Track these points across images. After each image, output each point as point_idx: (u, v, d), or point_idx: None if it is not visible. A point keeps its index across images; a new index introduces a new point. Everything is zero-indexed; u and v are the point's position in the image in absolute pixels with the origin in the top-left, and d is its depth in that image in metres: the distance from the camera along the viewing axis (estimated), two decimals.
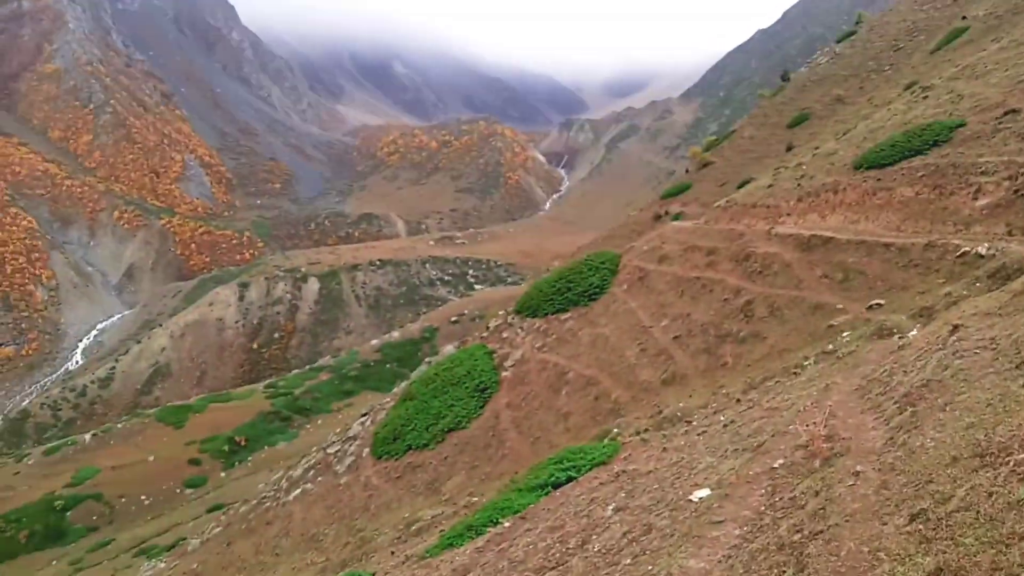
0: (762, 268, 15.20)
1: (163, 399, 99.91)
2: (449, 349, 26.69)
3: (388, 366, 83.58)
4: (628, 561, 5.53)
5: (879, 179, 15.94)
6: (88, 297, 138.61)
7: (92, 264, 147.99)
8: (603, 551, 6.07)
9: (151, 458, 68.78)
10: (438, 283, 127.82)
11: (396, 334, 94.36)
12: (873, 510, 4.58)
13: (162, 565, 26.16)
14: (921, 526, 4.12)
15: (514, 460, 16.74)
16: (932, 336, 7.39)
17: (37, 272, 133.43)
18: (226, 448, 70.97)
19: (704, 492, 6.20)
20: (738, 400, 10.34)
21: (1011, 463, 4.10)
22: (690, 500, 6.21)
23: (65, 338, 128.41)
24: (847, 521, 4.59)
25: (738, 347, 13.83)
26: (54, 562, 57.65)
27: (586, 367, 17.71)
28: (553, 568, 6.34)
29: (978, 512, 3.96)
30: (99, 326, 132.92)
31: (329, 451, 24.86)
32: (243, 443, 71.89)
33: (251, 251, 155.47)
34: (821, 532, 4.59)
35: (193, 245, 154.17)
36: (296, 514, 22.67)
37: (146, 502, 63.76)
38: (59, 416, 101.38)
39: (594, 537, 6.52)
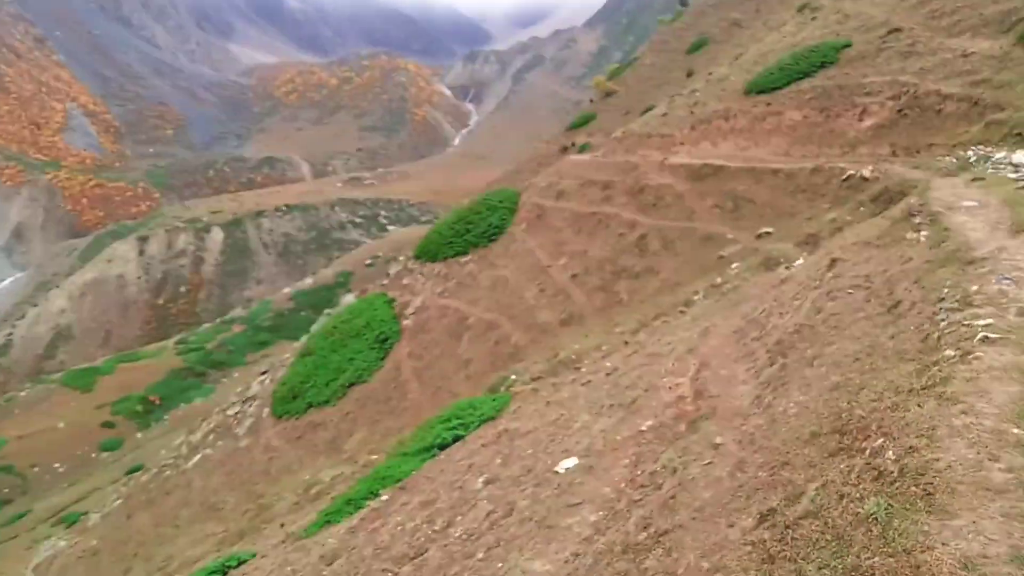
0: (655, 200, 15.32)
1: (68, 363, 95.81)
2: (349, 299, 26.07)
3: (303, 314, 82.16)
4: (481, 556, 5.51)
5: (769, 103, 16.15)
6: None
7: None
8: (463, 537, 6.06)
9: (61, 424, 66.68)
10: (349, 226, 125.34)
11: (309, 281, 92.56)
12: (723, 503, 4.46)
13: (62, 543, 25.28)
14: (767, 534, 3.89)
15: (415, 412, 16.70)
16: (812, 269, 7.54)
17: None
18: (140, 408, 69.27)
19: (571, 462, 6.21)
20: (626, 343, 10.48)
21: (867, 451, 3.93)
22: (556, 472, 6.21)
23: None
24: (694, 519, 4.47)
25: (633, 283, 13.99)
26: None
27: (486, 311, 17.66)
28: (413, 558, 6.30)
29: (826, 523, 3.68)
30: None
31: (229, 413, 24.18)
32: (157, 402, 70.19)
33: (147, 203, 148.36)
34: (667, 532, 4.48)
35: (84, 200, 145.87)
36: (196, 482, 22.18)
37: (60, 470, 61.97)
38: None
39: (459, 518, 6.51)
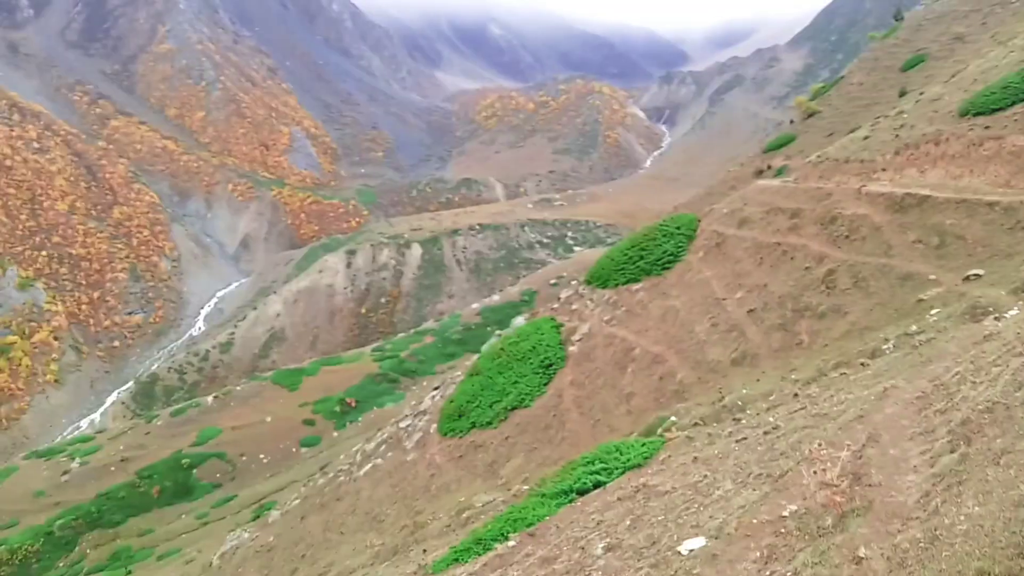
0: (849, 232, 13.99)
1: (279, 363, 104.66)
2: (519, 321, 25.85)
3: (488, 329, 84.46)
4: None
5: (987, 127, 14.45)
6: (207, 267, 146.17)
7: (210, 235, 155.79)
8: None
9: (268, 419, 72.14)
10: (537, 246, 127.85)
11: (496, 297, 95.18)
12: None
13: (246, 536, 27.18)
14: None
15: (572, 443, 16.29)
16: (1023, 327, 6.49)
17: (160, 244, 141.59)
18: (338, 409, 73.71)
19: (697, 543, 5.67)
20: (795, 395, 9.58)
21: None
22: (679, 552, 5.71)
23: (188, 306, 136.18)
24: None
25: (816, 323, 12.81)
26: (183, 516, 61.63)
27: (654, 343, 16.92)
28: None
29: None
30: (218, 294, 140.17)
31: (401, 425, 24.83)
32: (353, 404, 74.50)
33: (357, 219, 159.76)
34: None
35: (303, 215, 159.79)
36: (364, 491, 22.80)
37: (264, 460, 67.03)
38: (185, 379, 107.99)
39: None
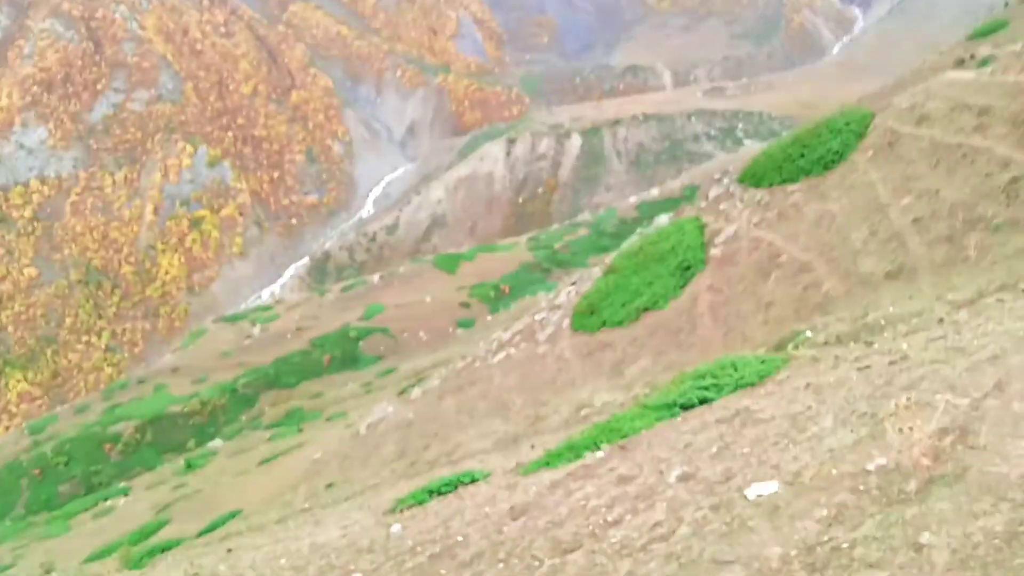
0: None
1: (440, 247, 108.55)
2: (663, 219, 24.52)
3: (646, 223, 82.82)
4: None
5: None
6: (376, 151, 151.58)
7: (379, 120, 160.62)
8: (611, 549, 5.20)
9: (428, 299, 75.45)
10: (703, 138, 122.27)
11: (655, 191, 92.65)
12: None
13: (390, 409, 28.49)
14: None
15: (702, 350, 15.30)
16: None
17: (334, 128, 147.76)
18: (492, 295, 75.84)
19: (767, 488, 4.93)
20: (941, 320, 8.31)
21: None
22: (745, 495, 5.00)
23: (358, 188, 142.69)
24: None
25: (989, 237, 11.05)
26: (349, 383, 66.34)
27: (803, 250, 15.34)
28: (565, 552, 5.60)
29: None
30: (386, 178, 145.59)
31: (536, 317, 24.67)
32: (507, 291, 76.34)
33: (519, 107, 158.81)
34: None
35: (466, 102, 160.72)
36: (496, 378, 22.80)
37: (424, 338, 70.53)
38: (354, 258, 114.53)
39: (629, 517, 5.63)
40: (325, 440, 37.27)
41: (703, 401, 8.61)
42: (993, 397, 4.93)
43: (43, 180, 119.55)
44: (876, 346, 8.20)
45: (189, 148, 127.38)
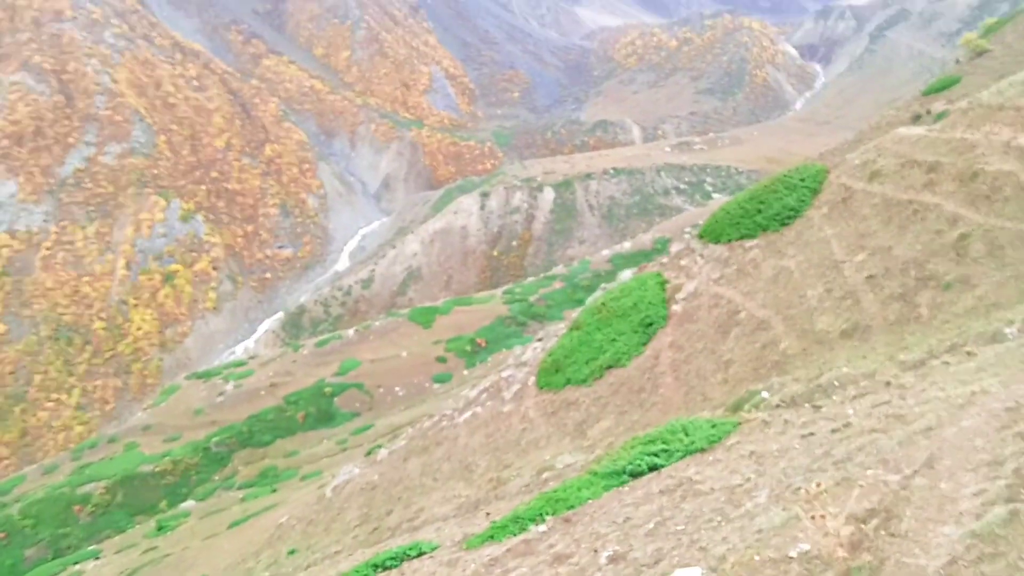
0: (990, 191, 12.50)
1: (415, 300, 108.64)
2: (626, 275, 24.88)
3: (609, 279, 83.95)
4: None
5: None
6: (351, 204, 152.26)
7: (353, 174, 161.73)
8: None
9: (404, 354, 75.29)
10: (673, 192, 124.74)
11: (627, 245, 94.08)
12: None
13: (356, 471, 28.35)
14: None
15: (663, 410, 15.75)
16: None
17: (308, 182, 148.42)
18: (468, 348, 75.93)
19: (691, 575, 5.30)
20: (888, 384, 8.92)
21: None
22: None
23: (333, 242, 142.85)
24: None
25: (940, 295, 11.70)
26: (324, 440, 65.82)
27: (761, 306, 15.95)
28: None
29: None
30: (361, 231, 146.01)
31: (503, 375, 24.84)
32: (483, 344, 76.51)
33: (492, 161, 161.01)
34: None
35: (440, 156, 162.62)
36: (461, 438, 22.89)
37: (400, 393, 70.29)
38: (330, 312, 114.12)
39: None
40: (296, 501, 36.99)
41: (652, 468, 8.92)
42: (922, 475, 5.25)
43: (12, 234, 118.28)
44: (824, 410, 8.67)
45: (162, 202, 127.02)
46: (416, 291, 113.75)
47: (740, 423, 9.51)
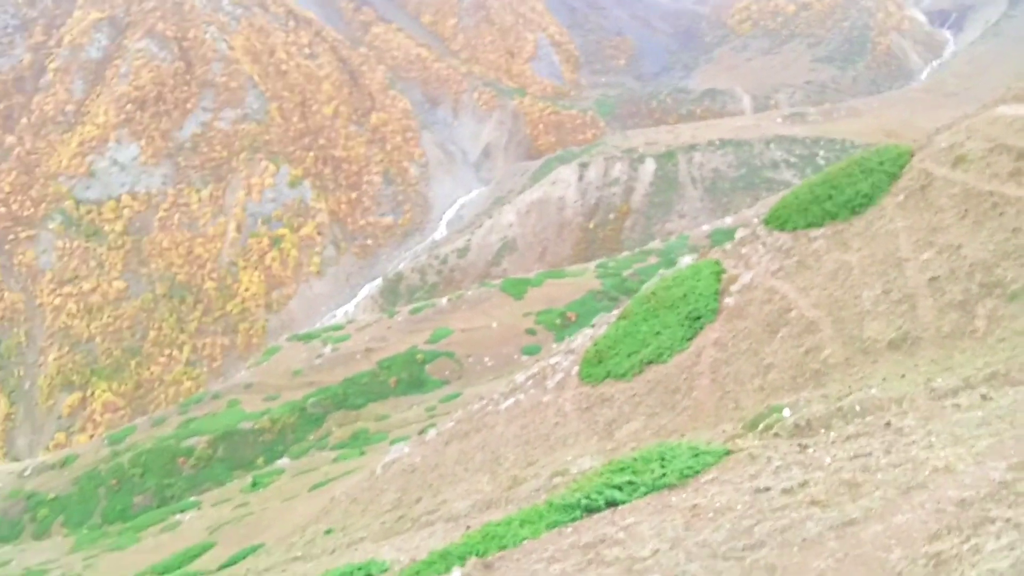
0: None
1: (509, 270, 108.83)
2: (686, 260, 23.06)
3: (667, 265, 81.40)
4: None
5: None
6: (451, 174, 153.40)
7: (455, 143, 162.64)
8: None
9: (494, 324, 75.57)
10: (783, 165, 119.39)
11: (729, 220, 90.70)
12: None
13: (406, 450, 28.00)
14: None
15: (693, 415, 14.66)
16: None
17: (411, 150, 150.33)
18: (558, 321, 75.44)
19: None
20: (887, 425, 7.87)
21: None
22: None
23: (432, 210, 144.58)
24: None
25: (1003, 306, 10.16)
26: (414, 406, 66.95)
27: (813, 305, 14.55)
28: None
29: None
30: (460, 201, 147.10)
31: (551, 361, 23.61)
32: (573, 318, 75.81)
33: (593, 131, 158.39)
34: None
35: (541, 125, 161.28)
36: (499, 427, 22.09)
37: (488, 363, 70.64)
38: (426, 280, 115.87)
39: None
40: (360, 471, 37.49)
41: (610, 503, 8.14)
42: (845, 558, 4.55)
43: (134, 196, 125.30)
44: (808, 452, 7.94)
45: (272, 167, 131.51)
46: (510, 262, 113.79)
47: (730, 452, 8.67)
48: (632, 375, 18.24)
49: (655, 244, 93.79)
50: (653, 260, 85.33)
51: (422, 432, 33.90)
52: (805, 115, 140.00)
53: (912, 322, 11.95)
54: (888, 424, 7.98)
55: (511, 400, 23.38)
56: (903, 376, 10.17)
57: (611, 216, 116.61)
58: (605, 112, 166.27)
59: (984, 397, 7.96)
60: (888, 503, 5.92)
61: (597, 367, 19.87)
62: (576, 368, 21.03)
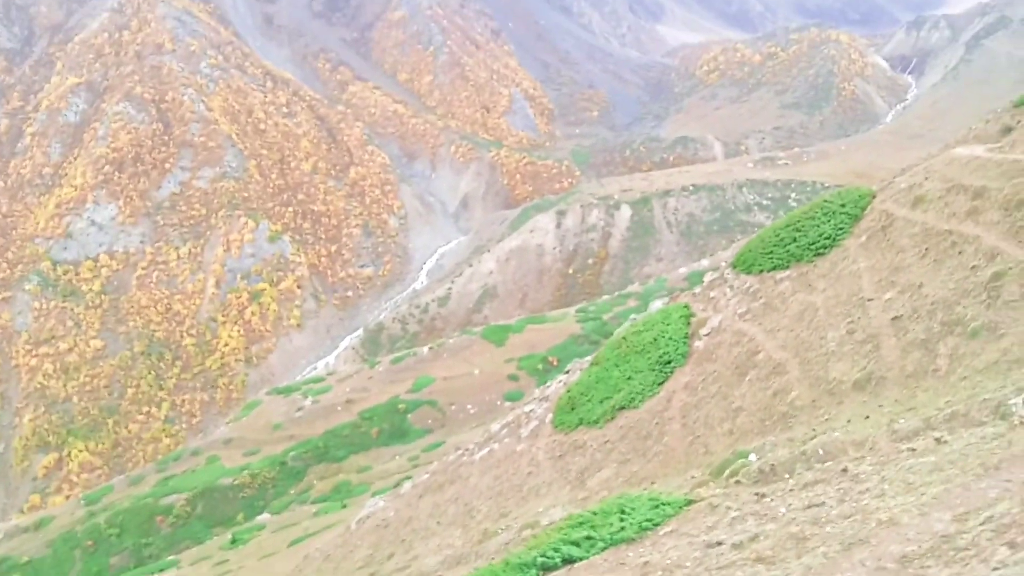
0: None
1: (491, 318, 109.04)
2: (657, 304, 23.12)
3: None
4: None
5: None
6: (430, 224, 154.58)
7: (433, 195, 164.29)
8: None
9: (476, 371, 75.33)
10: (755, 208, 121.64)
11: (705, 262, 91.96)
12: None
13: (381, 504, 27.58)
14: None
15: (664, 461, 14.59)
16: None
17: (390, 203, 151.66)
18: (540, 367, 75.38)
19: None
20: (844, 471, 8.08)
21: None
22: None
23: (412, 261, 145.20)
24: None
25: (964, 344, 10.35)
26: (396, 456, 66.24)
27: (780, 347, 14.60)
28: None
29: None
30: (439, 250, 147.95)
31: (525, 409, 23.36)
32: (555, 363, 75.84)
33: (569, 180, 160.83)
34: None
35: (518, 175, 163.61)
36: (472, 478, 21.87)
37: (471, 411, 70.22)
38: (407, 329, 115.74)
39: None
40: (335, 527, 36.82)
41: (567, 561, 8.05)
42: None
43: (111, 255, 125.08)
44: (764, 502, 8.04)
45: (251, 223, 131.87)
46: (491, 309, 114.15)
47: (692, 501, 8.80)
48: (604, 422, 18.14)
49: (634, 287, 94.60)
50: (632, 303, 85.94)
51: (397, 485, 33.19)
52: (775, 159, 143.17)
53: (876, 362, 12.05)
54: (845, 470, 8.07)
55: (486, 450, 23.13)
56: (867, 417, 10.25)
57: (590, 261, 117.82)
58: (580, 161, 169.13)
59: (939, 440, 8.15)
60: (829, 561, 6.01)
61: (570, 414, 19.72)
62: (550, 416, 20.85)
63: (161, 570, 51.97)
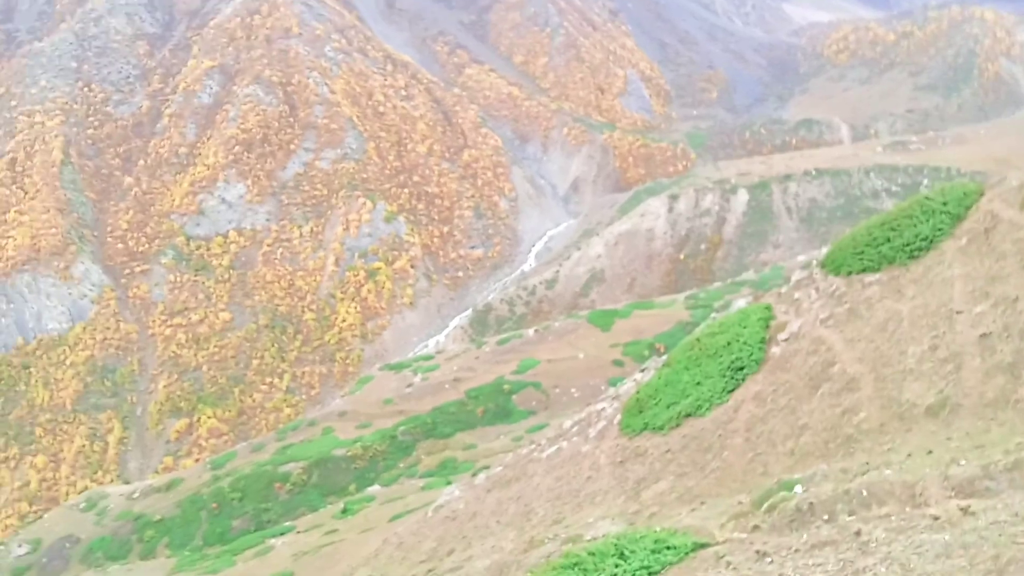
0: None
1: (597, 302, 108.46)
2: (740, 303, 21.43)
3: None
4: None
5: None
6: (540, 207, 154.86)
7: (544, 177, 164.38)
8: None
9: (581, 355, 75.22)
10: (884, 194, 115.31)
11: (826, 250, 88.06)
12: None
13: (456, 493, 27.25)
14: None
15: (719, 479, 13.56)
16: None
17: (501, 185, 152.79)
18: (646, 353, 74.21)
19: None
20: (857, 534, 7.30)
21: None
22: None
23: (521, 243, 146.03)
24: None
25: None
26: (501, 436, 67.08)
27: (857, 359, 13.28)
28: None
29: None
30: (548, 233, 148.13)
31: (596, 407, 22.35)
32: (662, 350, 74.65)
33: (684, 163, 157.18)
34: None
35: (630, 158, 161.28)
36: (536, 477, 21.08)
37: (575, 394, 70.21)
38: (514, 311, 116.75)
39: None
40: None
41: None
42: None
43: (240, 232, 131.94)
44: (766, 562, 7.44)
45: (369, 204, 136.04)
46: (598, 293, 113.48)
47: (701, 546, 8.25)
48: (669, 428, 17.24)
49: (749, 275, 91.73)
50: (747, 292, 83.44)
51: (475, 474, 33.02)
52: (907, 144, 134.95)
53: (955, 385, 10.96)
54: (858, 534, 7.45)
55: (554, 448, 22.52)
56: (929, 452, 9.41)
57: (702, 247, 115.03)
58: (696, 144, 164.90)
59: (965, 511, 7.43)
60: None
61: (636, 417, 18.86)
62: (618, 417, 20.01)
63: (278, 535, 54.59)
